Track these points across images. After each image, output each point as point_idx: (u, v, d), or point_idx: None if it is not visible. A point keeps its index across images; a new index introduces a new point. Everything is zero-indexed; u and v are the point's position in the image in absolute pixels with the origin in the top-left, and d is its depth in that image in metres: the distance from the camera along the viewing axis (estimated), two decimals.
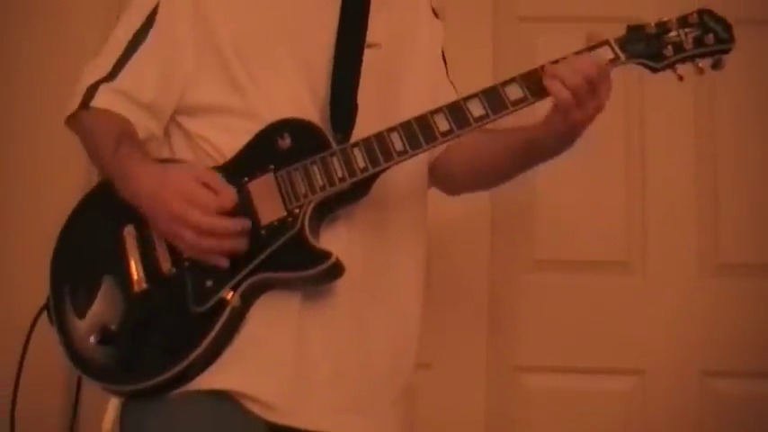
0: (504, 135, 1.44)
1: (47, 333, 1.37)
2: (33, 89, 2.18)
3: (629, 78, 2.10)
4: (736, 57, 2.05)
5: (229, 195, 1.28)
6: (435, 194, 2.12)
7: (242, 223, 1.28)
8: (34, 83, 2.18)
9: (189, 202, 1.26)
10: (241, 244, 1.28)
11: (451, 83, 1.58)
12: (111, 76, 1.39)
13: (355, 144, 1.33)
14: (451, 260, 2.16)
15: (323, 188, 1.31)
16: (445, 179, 1.57)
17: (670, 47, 1.30)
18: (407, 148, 1.31)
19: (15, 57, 2.21)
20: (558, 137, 1.35)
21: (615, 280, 2.15)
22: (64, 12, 2.22)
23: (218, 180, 1.29)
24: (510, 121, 1.35)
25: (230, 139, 1.36)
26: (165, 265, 1.31)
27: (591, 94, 1.28)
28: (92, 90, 1.39)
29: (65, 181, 2.04)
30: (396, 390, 1.42)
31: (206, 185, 1.28)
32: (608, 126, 2.18)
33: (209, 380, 1.28)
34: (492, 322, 2.14)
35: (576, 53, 1.31)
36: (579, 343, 2.12)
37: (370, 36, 1.43)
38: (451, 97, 1.51)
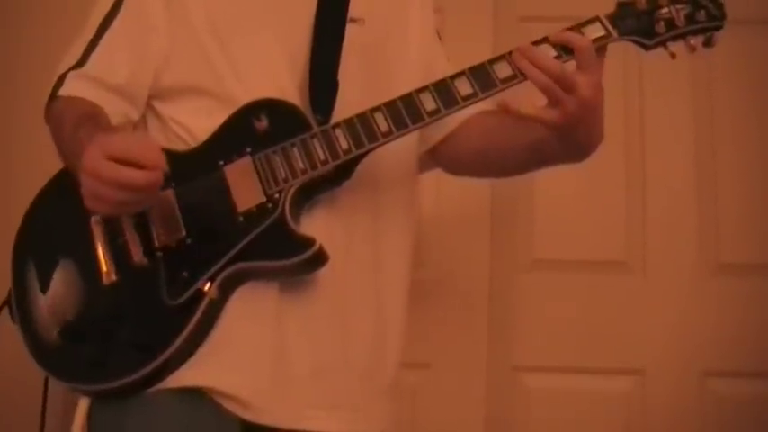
0: (514, 133, 1.37)
1: (10, 330, 1.29)
2: (33, 88, 2.17)
3: (628, 77, 2.12)
4: (736, 56, 2.06)
5: (150, 150, 1.13)
6: (435, 193, 2.14)
7: (151, 176, 1.12)
8: (33, 81, 2.18)
9: (102, 153, 1.12)
10: (150, 200, 1.17)
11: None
12: (81, 62, 1.33)
13: (337, 125, 1.26)
14: (451, 260, 2.16)
15: (304, 172, 1.25)
16: (452, 163, 1.50)
17: (662, 23, 1.26)
18: (393, 128, 1.25)
19: (14, 56, 2.21)
20: (562, 139, 1.27)
21: (615, 280, 2.15)
22: (64, 11, 2.22)
23: (147, 139, 1.20)
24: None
25: (203, 121, 1.30)
26: (137, 254, 1.23)
27: (566, 90, 1.20)
28: (61, 79, 1.34)
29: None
30: (378, 385, 1.36)
31: (128, 140, 1.16)
32: (607, 125, 2.20)
33: (183, 377, 1.22)
34: (491, 322, 2.13)
35: (567, 29, 1.27)
36: (579, 343, 2.11)
37: (353, 11, 1.36)
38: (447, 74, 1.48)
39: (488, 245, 2.16)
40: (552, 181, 2.16)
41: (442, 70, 1.46)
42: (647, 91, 2.16)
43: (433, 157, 1.49)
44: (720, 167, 2.15)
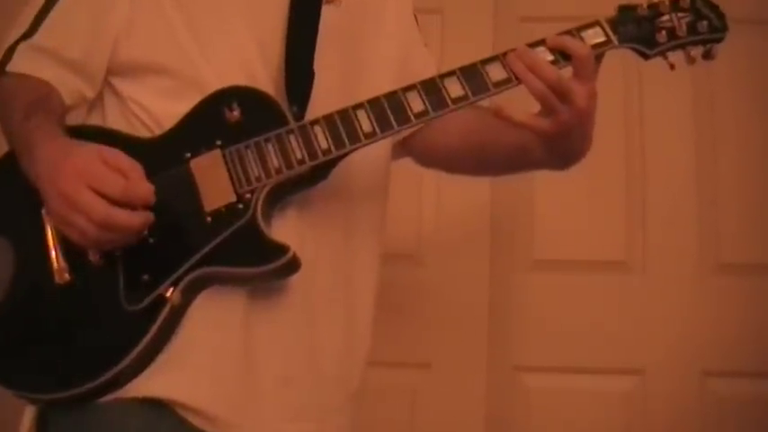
0: (500, 134, 1.31)
1: None
2: None
3: (628, 77, 2.12)
4: (737, 56, 2.06)
5: (142, 186, 1.06)
6: (435, 193, 2.14)
7: (144, 217, 1.07)
8: None
9: (87, 183, 1.04)
10: (139, 239, 1.09)
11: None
12: (31, 31, 1.21)
13: (316, 121, 1.16)
14: (451, 260, 2.16)
15: (279, 171, 1.15)
16: (423, 156, 1.43)
17: (664, 32, 1.20)
18: (376, 129, 1.15)
19: None
20: (550, 146, 1.21)
21: (615, 280, 2.15)
22: None
23: (131, 164, 1.07)
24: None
25: (167, 104, 1.19)
26: (93, 253, 1.11)
27: (562, 100, 1.15)
28: (10, 51, 1.21)
29: None
30: (345, 393, 1.28)
31: (114, 168, 1.06)
32: (607, 124, 2.20)
33: (141, 386, 1.12)
34: (492, 322, 2.13)
35: (565, 33, 1.19)
36: (579, 343, 2.11)
37: None
38: (426, 61, 1.40)
39: (488, 245, 2.16)
40: (552, 181, 2.16)
41: (420, 56, 1.42)
42: (647, 90, 2.16)
43: (404, 148, 1.42)
44: (721, 167, 2.15)
